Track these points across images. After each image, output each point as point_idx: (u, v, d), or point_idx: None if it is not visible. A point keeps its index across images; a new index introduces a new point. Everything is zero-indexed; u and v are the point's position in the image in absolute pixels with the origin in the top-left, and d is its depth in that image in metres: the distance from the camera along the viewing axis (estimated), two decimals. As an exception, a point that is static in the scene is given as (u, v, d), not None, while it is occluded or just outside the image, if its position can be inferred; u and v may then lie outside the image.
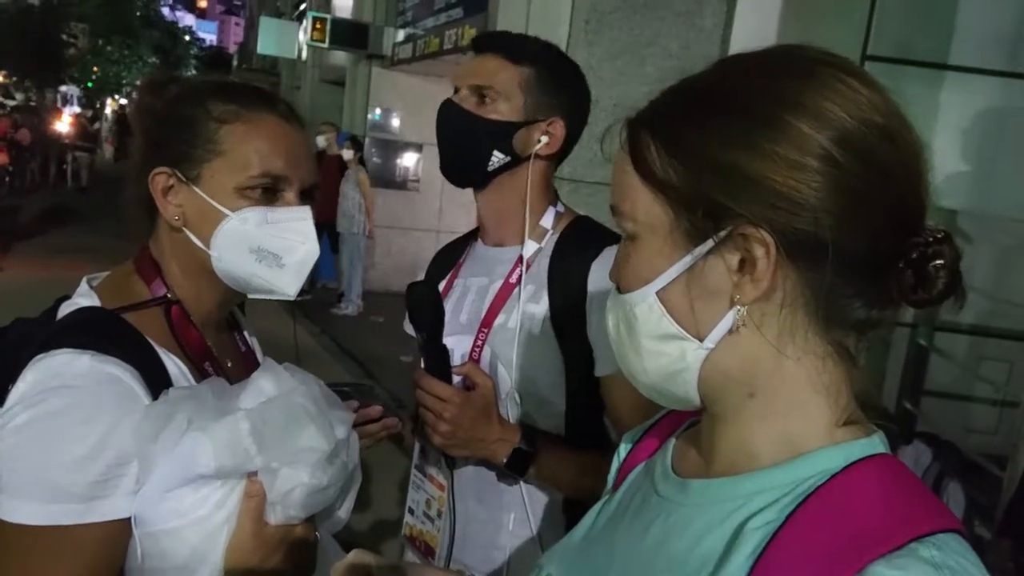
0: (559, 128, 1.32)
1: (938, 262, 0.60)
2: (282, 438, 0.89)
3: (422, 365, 1.25)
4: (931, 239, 0.61)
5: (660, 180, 0.63)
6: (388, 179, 9.34)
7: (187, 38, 48.73)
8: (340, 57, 10.71)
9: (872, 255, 0.60)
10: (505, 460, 1.24)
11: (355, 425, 1.20)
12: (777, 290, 0.60)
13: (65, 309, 1.00)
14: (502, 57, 1.30)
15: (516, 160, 1.32)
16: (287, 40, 13.68)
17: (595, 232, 1.34)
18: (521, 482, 1.30)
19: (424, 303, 1.22)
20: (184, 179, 1.01)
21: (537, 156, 1.32)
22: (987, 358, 3.92)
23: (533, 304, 1.30)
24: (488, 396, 1.24)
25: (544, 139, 1.31)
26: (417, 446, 1.43)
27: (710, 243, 0.61)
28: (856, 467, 0.60)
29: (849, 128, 0.59)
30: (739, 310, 0.61)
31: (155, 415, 0.89)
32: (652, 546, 0.67)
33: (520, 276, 1.33)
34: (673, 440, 0.76)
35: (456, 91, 1.33)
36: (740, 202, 0.59)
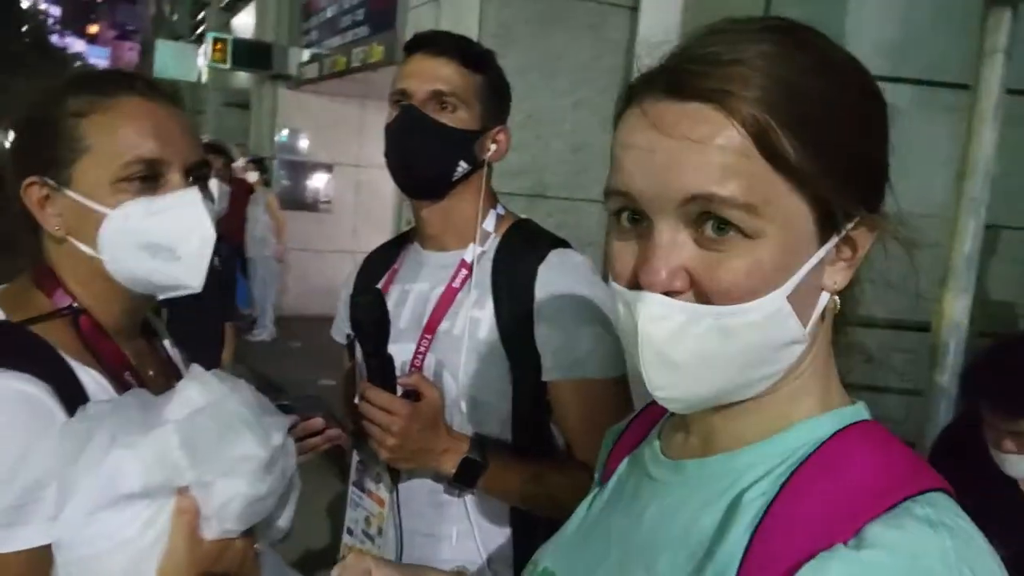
0: (504, 135, 1.34)
1: None
2: (216, 448, 0.85)
3: (365, 376, 1.21)
4: None
5: (798, 171, 0.56)
6: (299, 201, 9.17)
7: (77, 64, 46.86)
8: (243, 79, 10.48)
9: None
10: (454, 471, 1.21)
11: (297, 439, 1.16)
12: None
13: None
14: (458, 63, 1.28)
15: (474, 168, 1.31)
16: (186, 63, 13.29)
17: (538, 236, 1.34)
18: (466, 494, 1.28)
19: (372, 313, 1.18)
20: (56, 185, 0.95)
21: (487, 163, 1.33)
22: (895, 349, 4.10)
23: (478, 309, 1.29)
24: (436, 406, 1.21)
25: (493, 146, 1.32)
26: (354, 462, 1.38)
27: (839, 234, 0.59)
28: (844, 433, 0.61)
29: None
30: (832, 298, 0.61)
31: (74, 433, 0.84)
32: (650, 529, 0.66)
33: (464, 281, 1.31)
34: (659, 426, 0.75)
35: (406, 94, 1.28)
36: (869, 192, 0.59)
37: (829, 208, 0.57)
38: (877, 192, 0.61)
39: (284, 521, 0.99)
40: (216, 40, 9.17)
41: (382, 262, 1.47)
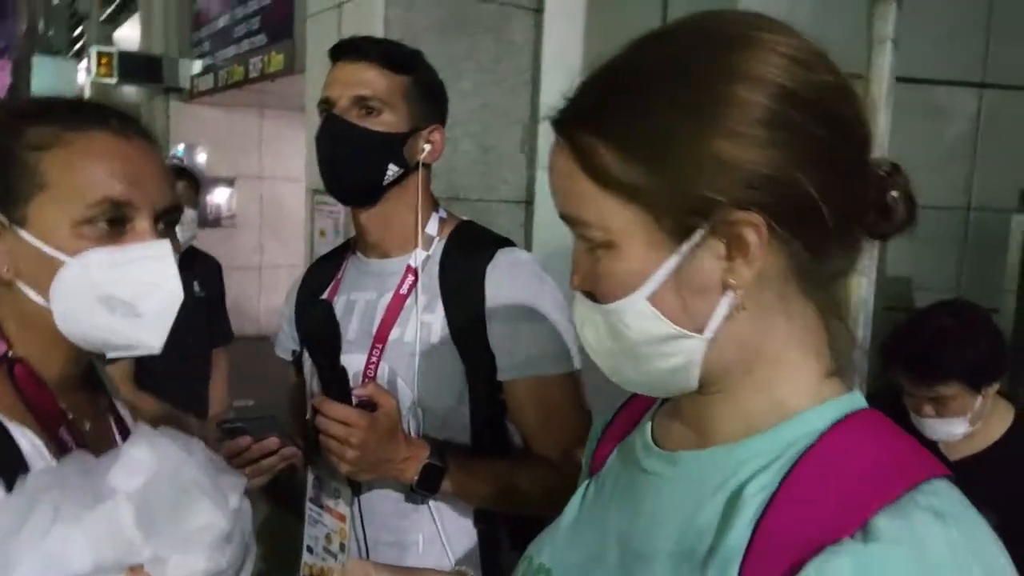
0: (439, 135, 1.32)
1: (894, 193, 0.63)
2: (172, 520, 0.77)
3: (317, 389, 1.18)
4: (883, 173, 0.63)
5: (625, 184, 0.59)
6: (200, 218, 8.83)
7: (-57, 85, 43.95)
8: (130, 94, 10.06)
9: (848, 204, 0.60)
10: (416, 478, 1.20)
11: (251, 460, 1.12)
12: (767, 264, 0.59)
13: None
14: (380, 66, 1.26)
15: (407, 171, 1.29)
16: (66, 80, 12.70)
17: (483, 237, 1.35)
18: (429, 500, 1.26)
19: (324, 326, 1.16)
20: (8, 222, 0.85)
21: (423, 164, 1.31)
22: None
23: (428, 314, 1.27)
24: (393, 415, 1.19)
25: (427, 147, 1.30)
26: (311, 478, 1.35)
27: (697, 237, 0.59)
28: (843, 424, 0.61)
29: (803, 90, 0.58)
30: (734, 294, 0.60)
31: (12, 509, 0.75)
32: (648, 522, 0.66)
33: (412, 287, 1.29)
34: (649, 416, 0.75)
35: (329, 103, 1.27)
36: (722, 190, 0.57)
37: (676, 215, 0.59)
38: (744, 187, 0.57)
39: None
40: (101, 54, 8.76)
41: (324, 273, 1.44)
